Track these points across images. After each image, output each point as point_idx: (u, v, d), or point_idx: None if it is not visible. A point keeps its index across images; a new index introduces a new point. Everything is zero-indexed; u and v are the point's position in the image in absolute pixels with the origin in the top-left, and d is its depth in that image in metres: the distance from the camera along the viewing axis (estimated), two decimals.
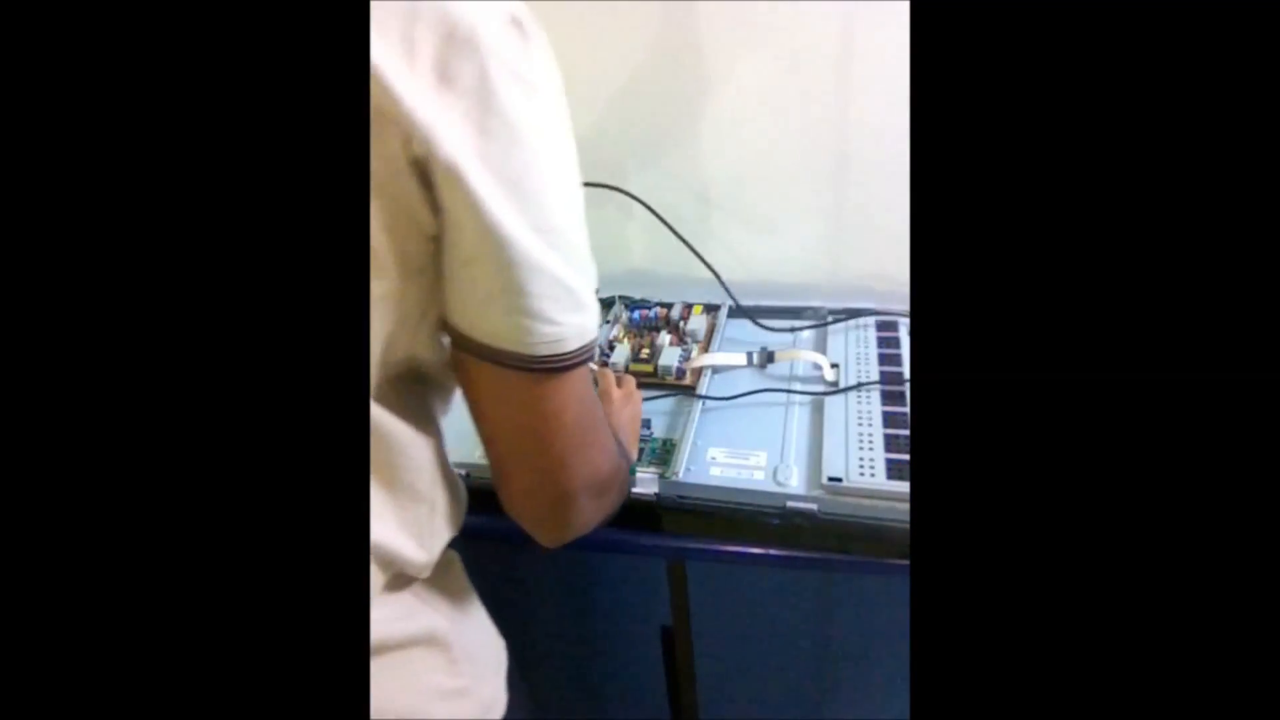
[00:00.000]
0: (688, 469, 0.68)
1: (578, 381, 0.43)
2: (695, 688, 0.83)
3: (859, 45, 0.80)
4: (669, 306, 0.92)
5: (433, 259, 0.39)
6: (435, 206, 0.37)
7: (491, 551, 0.81)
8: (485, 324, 0.40)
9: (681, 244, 0.88)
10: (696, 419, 0.74)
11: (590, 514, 0.49)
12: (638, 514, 0.67)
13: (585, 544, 0.71)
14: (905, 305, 0.88)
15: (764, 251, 0.93)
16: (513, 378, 0.41)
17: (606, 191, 0.92)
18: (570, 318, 0.40)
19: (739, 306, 0.90)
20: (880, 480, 0.64)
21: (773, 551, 0.65)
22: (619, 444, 0.52)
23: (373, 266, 0.37)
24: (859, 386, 0.75)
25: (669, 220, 0.87)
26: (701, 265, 0.90)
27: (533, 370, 0.40)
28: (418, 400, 0.46)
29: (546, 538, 0.50)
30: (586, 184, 0.41)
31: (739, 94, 0.86)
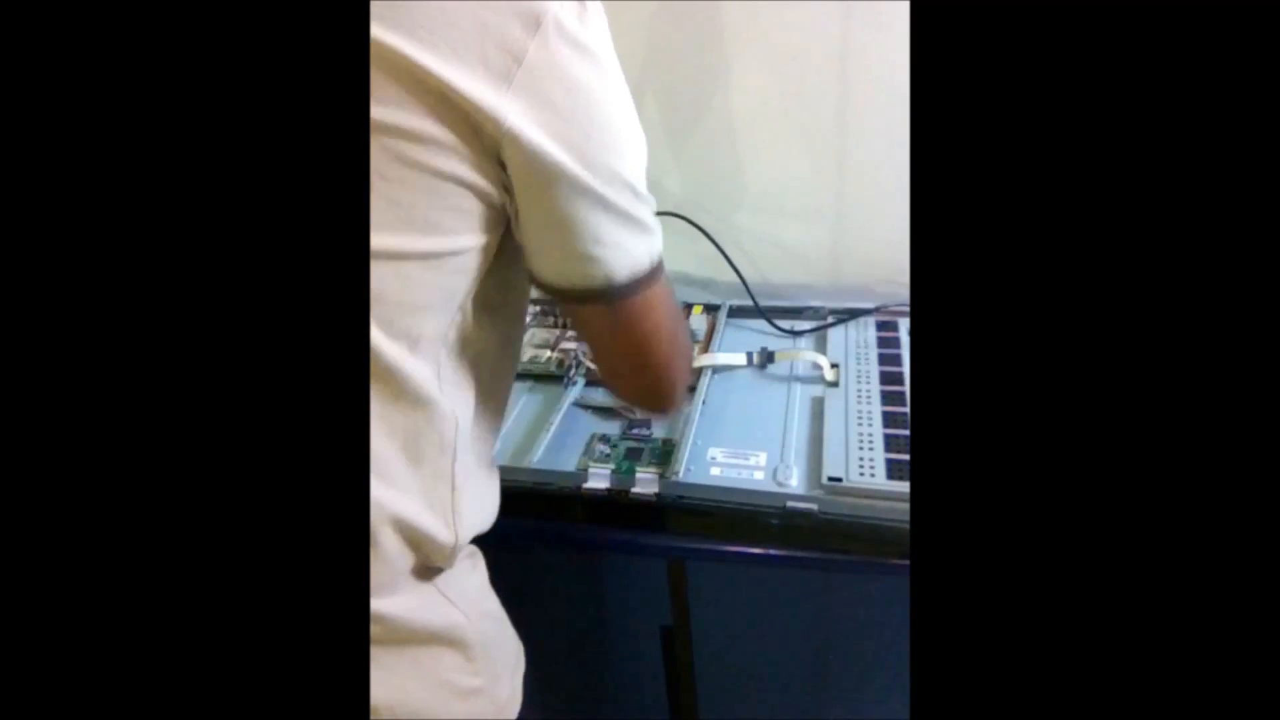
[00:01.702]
0: (688, 469, 0.68)
1: (655, 302, 0.46)
2: (695, 688, 0.83)
3: (859, 45, 0.80)
4: None
5: (492, 226, 0.43)
6: (506, 186, 0.41)
7: (492, 552, 0.81)
8: (551, 271, 0.44)
9: (684, 249, 0.88)
10: (696, 418, 0.74)
11: (683, 396, 0.56)
12: (638, 514, 0.67)
13: (585, 544, 0.72)
14: (905, 305, 0.88)
15: (764, 251, 0.93)
16: (593, 312, 0.45)
17: None
18: (628, 240, 0.43)
19: (741, 307, 0.90)
20: (880, 480, 0.64)
21: (773, 551, 0.65)
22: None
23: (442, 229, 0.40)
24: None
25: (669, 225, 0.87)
26: (702, 264, 0.90)
27: (606, 302, 0.44)
28: (463, 377, 0.47)
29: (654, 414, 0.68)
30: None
31: (738, 94, 0.86)
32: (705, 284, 0.92)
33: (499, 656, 0.53)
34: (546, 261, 0.44)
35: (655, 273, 0.46)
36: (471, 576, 0.53)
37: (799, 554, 0.65)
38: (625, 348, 0.48)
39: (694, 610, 0.76)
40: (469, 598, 0.51)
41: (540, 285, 0.46)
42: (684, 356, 0.53)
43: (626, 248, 0.44)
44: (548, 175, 0.40)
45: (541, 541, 0.74)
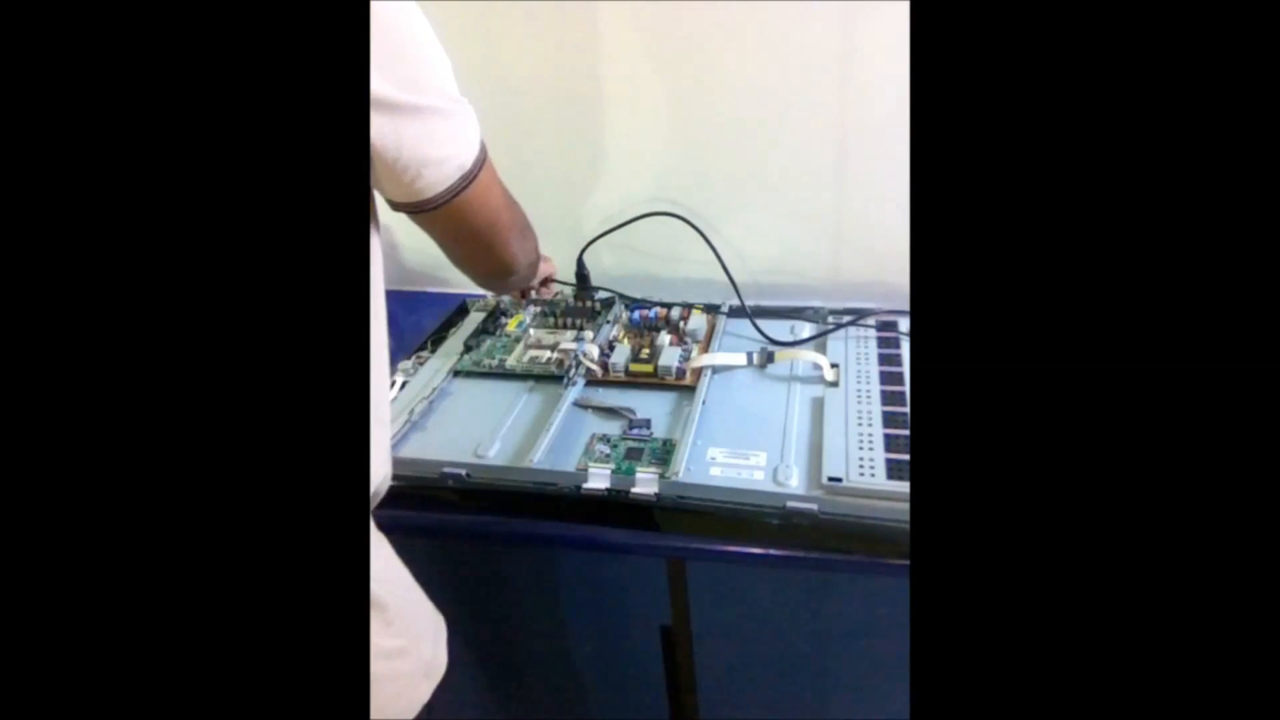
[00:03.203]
0: (688, 469, 0.68)
1: (492, 178, 0.53)
2: (695, 688, 0.83)
3: (859, 45, 0.80)
4: (669, 307, 0.92)
5: None
6: None
7: (492, 551, 0.81)
8: (405, 191, 0.49)
9: (684, 249, 0.88)
10: (697, 418, 0.74)
11: (528, 271, 0.67)
12: (638, 514, 0.67)
13: (585, 544, 0.72)
14: (905, 305, 0.88)
15: (764, 252, 0.93)
16: (449, 211, 0.51)
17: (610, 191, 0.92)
18: (462, 131, 0.49)
19: (741, 307, 0.90)
20: (880, 480, 0.64)
21: (773, 551, 0.65)
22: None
23: None
24: None
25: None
26: (701, 265, 0.90)
27: (459, 193, 0.50)
28: None
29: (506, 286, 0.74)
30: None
31: (739, 94, 0.86)
32: (705, 284, 0.92)
33: (417, 618, 0.55)
34: (397, 186, 0.48)
35: (484, 151, 0.52)
36: (380, 548, 0.54)
37: (799, 554, 0.65)
38: (479, 227, 0.54)
39: (694, 610, 0.76)
40: (380, 562, 0.52)
41: (397, 207, 0.51)
42: (520, 225, 0.60)
43: (467, 138, 0.49)
44: (384, 113, 0.43)
45: (542, 541, 0.74)
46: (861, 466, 0.66)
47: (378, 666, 0.49)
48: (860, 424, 0.71)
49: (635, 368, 0.82)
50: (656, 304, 0.92)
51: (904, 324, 0.86)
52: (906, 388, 0.75)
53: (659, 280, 0.97)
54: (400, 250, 1.07)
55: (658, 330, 0.89)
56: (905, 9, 0.71)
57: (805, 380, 0.80)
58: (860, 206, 0.89)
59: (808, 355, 0.81)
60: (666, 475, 0.67)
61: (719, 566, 0.73)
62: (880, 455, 0.67)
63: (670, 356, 0.82)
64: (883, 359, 0.80)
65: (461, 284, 1.11)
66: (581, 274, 0.95)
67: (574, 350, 0.84)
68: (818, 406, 0.75)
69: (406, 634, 0.52)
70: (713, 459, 0.70)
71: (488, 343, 0.91)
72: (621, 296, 0.95)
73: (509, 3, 0.84)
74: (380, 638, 0.50)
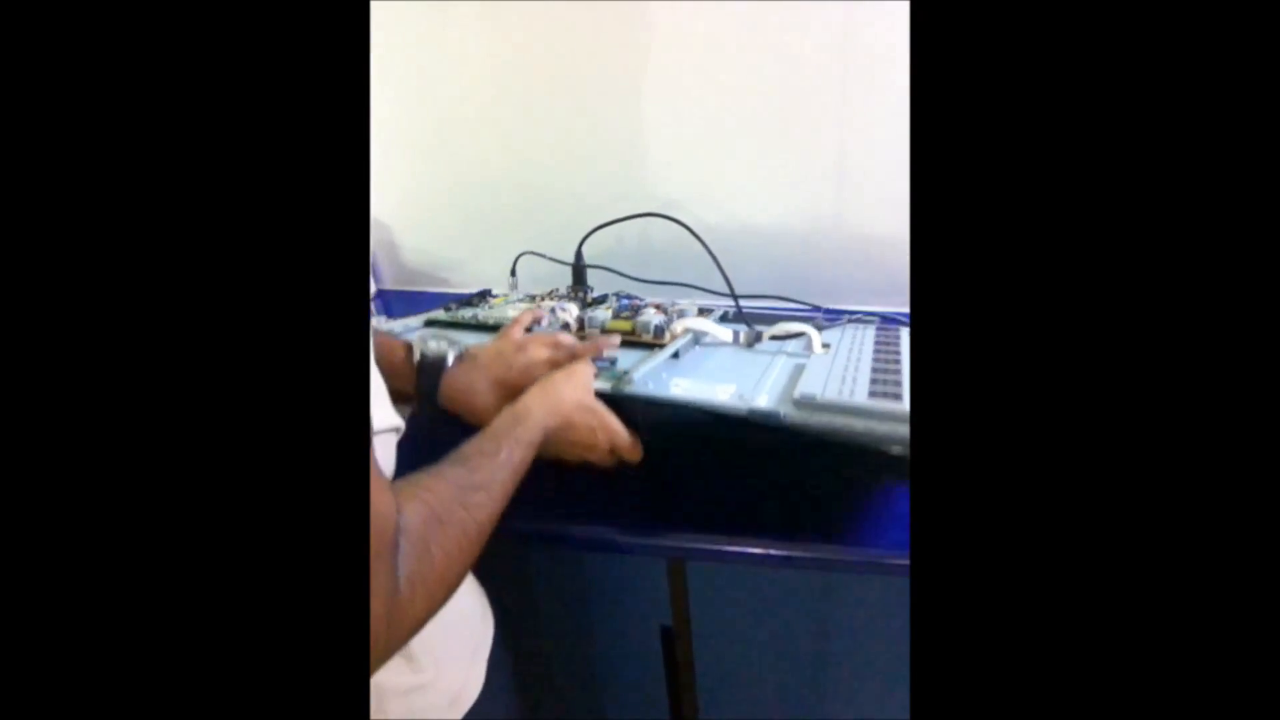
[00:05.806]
0: (645, 383, 0.62)
1: None
2: (695, 688, 0.83)
3: (859, 45, 0.80)
4: (660, 306, 0.91)
5: None
6: None
7: (491, 550, 0.81)
8: None
9: (680, 250, 0.88)
10: (664, 359, 0.67)
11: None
12: (634, 511, 0.67)
13: (585, 544, 0.72)
14: (905, 305, 0.88)
15: (762, 253, 0.93)
16: None
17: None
18: None
19: (738, 310, 0.90)
20: (860, 398, 0.56)
21: (773, 552, 0.65)
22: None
23: None
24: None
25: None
26: (698, 266, 0.90)
27: None
28: None
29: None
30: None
31: (739, 95, 0.86)
32: (701, 286, 0.92)
33: (448, 644, 0.51)
34: None
35: None
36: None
37: (799, 554, 0.65)
38: None
39: (694, 610, 0.76)
40: None
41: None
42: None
43: None
44: None
45: (541, 541, 0.74)
46: (841, 389, 0.59)
47: (393, 705, 0.46)
48: (847, 368, 0.64)
49: (613, 324, 0.78)
50: (649, 303, 0.92)
51: (904, 325, 0.85)
52: (901, 356, 0.69)
53: (656, 281, 0.97)
54: (400, 250, 1.07)
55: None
56: (905, 9, 0.71)
57: (793, 354, 0.73)
58: (860, 207, 0.89)
59: (797, 327, 0.76)
60: (620, 386, 0.61)
61: (719, 566, 0.73)
62: (864, 381, 0.59)
63: (650, 315, 0.77)
64: (879, 348, 0.73)
65: (462, 284, 1.11)
66: (578, 267, 0.94)
67: (553, 306, 0.81)
68: (800, 369, 0.67)
69: (432, 667, 0.48)
70: (675, 384, 0.63)
71: (469, 312, 0.89)
72: (616, 293, 0.95)
73: (510, 2, 0.84)
74: (399, 675, 0.46)
